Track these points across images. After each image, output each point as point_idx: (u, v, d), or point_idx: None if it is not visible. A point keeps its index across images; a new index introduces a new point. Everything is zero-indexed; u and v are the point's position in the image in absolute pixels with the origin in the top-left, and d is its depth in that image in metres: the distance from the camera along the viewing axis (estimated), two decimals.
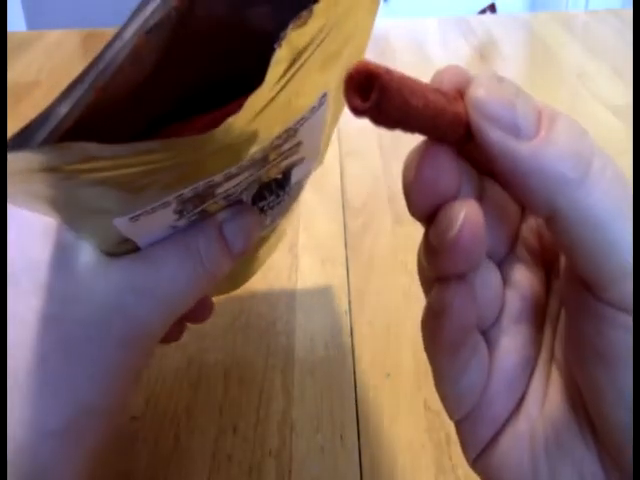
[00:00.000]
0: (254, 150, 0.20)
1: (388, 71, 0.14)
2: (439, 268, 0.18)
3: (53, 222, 0.23)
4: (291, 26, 0.16)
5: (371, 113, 0.14)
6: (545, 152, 0.15)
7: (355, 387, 0.34)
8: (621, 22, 0.79)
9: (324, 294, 0.40)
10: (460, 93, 0.16)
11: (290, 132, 0.21)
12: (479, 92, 0.16)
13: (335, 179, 0.51)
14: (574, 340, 0.18)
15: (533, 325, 0.20)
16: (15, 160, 0.15)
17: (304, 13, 0.16)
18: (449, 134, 0.16)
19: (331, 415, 0.32)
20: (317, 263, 0.42)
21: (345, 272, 0.41)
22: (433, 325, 0.18)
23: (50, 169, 0.16)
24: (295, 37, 0.16)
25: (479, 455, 0.20)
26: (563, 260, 0.19)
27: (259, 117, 0.18)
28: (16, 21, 1.83)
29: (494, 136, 0.15)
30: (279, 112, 0.18)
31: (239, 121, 0.17)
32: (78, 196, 0.18)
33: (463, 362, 0.19)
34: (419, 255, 0.19)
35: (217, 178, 0.20)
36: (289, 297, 0.39)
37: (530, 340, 0.20)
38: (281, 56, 0.16)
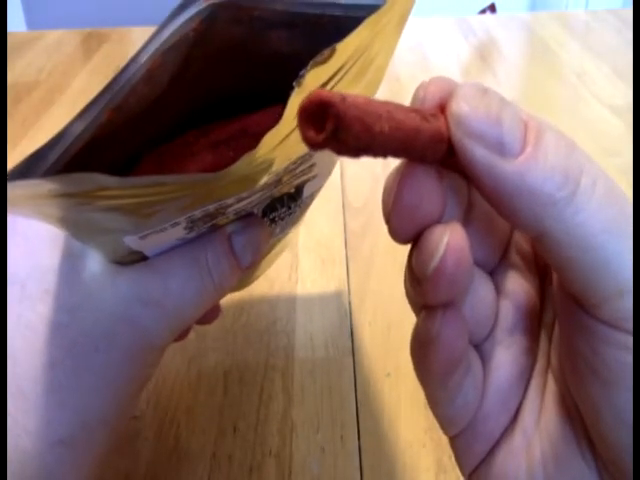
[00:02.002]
0: (268, 177, 0.20)
1: (344, 98, 0.13)
2: (424, 297, 0.17)
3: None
4: (311, 64, 0.15)
5: (327, 144, 0.13)
6: (531, 171, 0.14)
7: (355, 387, 0.34)
8: (621, 22, 0.79)
9: (324, 294, 0.40)
10: (442, 107, 0.15)
11: (305, 157, 0.21)
12: (462, 107, 0.15)
13: (335, 179, 0.51)
14: (569, 356, 0.17)
15: (528, 334, 0.19)
16: (23, 187, 0.15)
17: (326, 51, 0.15)
18: (428, 154, 0.15)
19: (331, 415, 0.32)
20: (317, 263, 0.42)
21: (345, 272, 0.41)
22: (421, 354, 0.18)
23: (61, 195, 0.16)
24: (315, 75, 0.16)
25: (475, 470, 0.19)
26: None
27: (276, 150, 0.18)
28: (16, 21, 1.83)
29: (478, 154, 0.15)
30: (296, 143, 0.18)
31: (256, 156, 0.17)
32: (89, 218, 0.18)
33: (456, 385, 0.18)
34: (405, 280, 0.18)
35: (229, 201, 0.20)
36: (289, 297, 0.39)
37: (525, 350, 0.19)
38: (299, 93, 0.16)
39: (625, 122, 0.57)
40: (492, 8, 1.94)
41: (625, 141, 0.54)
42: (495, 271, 0.20)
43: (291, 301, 0.39)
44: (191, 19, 0.19)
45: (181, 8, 0.19)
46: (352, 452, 0.30)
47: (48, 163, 0.18)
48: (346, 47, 0.16)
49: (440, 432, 0.32)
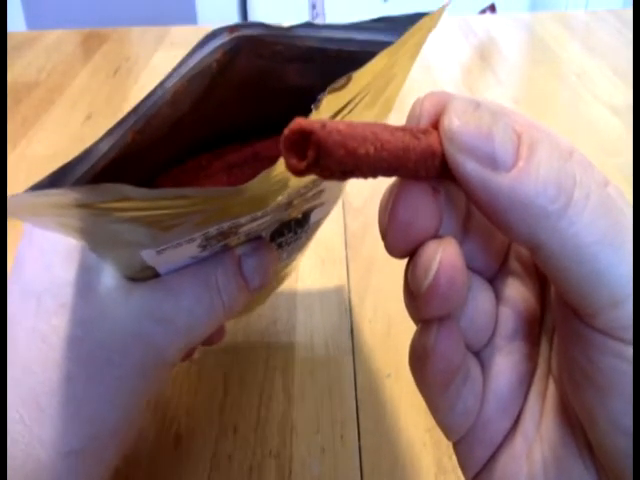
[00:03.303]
0: (281, 197, 0.20)
1: (324, 125, 0.13)
2: (419, 312, 0.17)
3: (76, 243, 0.23)
4: (328, 89, 0.16)
5: (310, 171, 0.13)
6: (523, 184, 0.14)
7: (355, 387, 0.34)
8: (621, 22, 0.79)
9: (324, 294, 0.40)
10: (436, 122, 0.15)
11: (316, 182, 0.22)
12: (453, 122, 0.15)
13: None
14: (565, 363, 0.17)
15: (528, 340, 0.19)
16: (51, 195, 0.15)
17: (343, 79, 0.16)
18: (421, 170, 0.15)
19: (331, 415, 0.32)
20: (317, 263, 0.42)
21: (345, 272, 0.41)
22: (418, 366, 0.18)
23: (84, 206, 0.16)
24: (332, 100, 0.16)
25: (477, 474, 0.19)
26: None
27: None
28: (16, 21, 1.83)
29: (470, 169, 0.15)
30: None
31: (273, 174, 0.17)
32: (109, 230, 0.19)
33: (454, 393, 0.18)
34: (403, 292, 0.18)
35: (243, 220, 0.21)
36: (289, 297, 0.39)
37: (525, 356, 0.19)
38: (316, 115, 0.16)
39: (625, 122, 0.57)
40: (492, 8, 1.94)
41: (625, 141, 0.54)
42: (495, 278, 0.20)
43: (291, 301, 0.39)
44: (215, 50, 0.20)
45: (207, 39, 0.20)
46: (352, 452, 0.30)
47: (74, 177, 0.19)
48: (362, 77, 0.16)
49: (440, 432, 0.32)
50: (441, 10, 0.19)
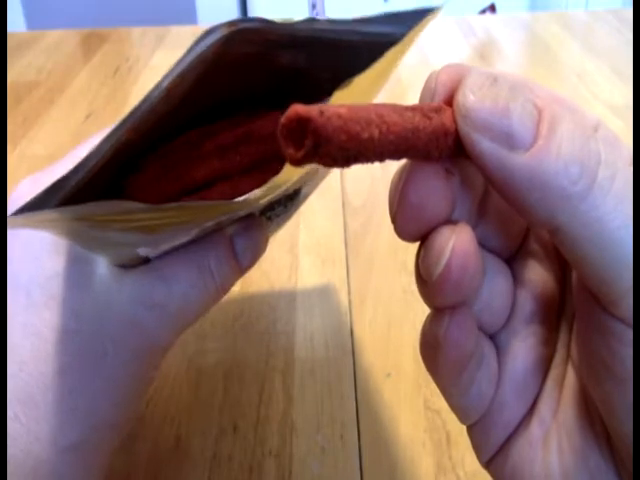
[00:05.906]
0: (281, 189, 0.21)
1: (322, 112, 0.12)
2: (430, 299, 0.17)
3: None
4: (335, 93, 0.15)
5: (308, 160, 0.12)
6: (543, 164, 0.13)
7: (355, 387, 0.34)
8: (621, 22, 0.79)
9: (324, 294, 0.40)
10: (450, 100, 0.15)
11: (314, 167, 0.22)
12: (468, 98, 0.14)
13: (335, 179, 0.51)
14: (584, 351, 0.16)
15: (547, 325, 0.19)
16: (49, 214, 0.15)
17: (346, 82, 0.16)
18: (433, 151, 0.14)
19: (331, 415, 0.32)
20: (317, 263, 0.42)
21: (345, 272, 0.41)
22: (429, 355, 0.18)
23: (81, 219, 0.16)
24: (338, 98, 0.16)
25: (491, 459, 0.19)
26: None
27: (295, 170, 0.18)
28: (16, 21, 1.83)
29: (485, 147, 0.14)
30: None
31: (277, 182, 0.17)
32: (105, 236, 0.19)
33: (468, 379, 0.18)
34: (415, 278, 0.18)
35: (241, 212, 0.21)
36: (289, 297, 0.39)
37: (543, 340, 0.19)
38: None
39: (625, 122, 0.57)
40: (492, 8, 1.94)
41: (625, 141, 0.53)
42: (513, 259, 0.19)
43: (291, 301, 0.39)
44: (212, 44, 0.20)
45: (205, 35, 0.20)
46: (352, 452, 0.30)
47: (69, 185, 0.19)
48: (364, 79, 0.16)
49: (440, 432, 0.32)
50: (439, 9, 0.19)
